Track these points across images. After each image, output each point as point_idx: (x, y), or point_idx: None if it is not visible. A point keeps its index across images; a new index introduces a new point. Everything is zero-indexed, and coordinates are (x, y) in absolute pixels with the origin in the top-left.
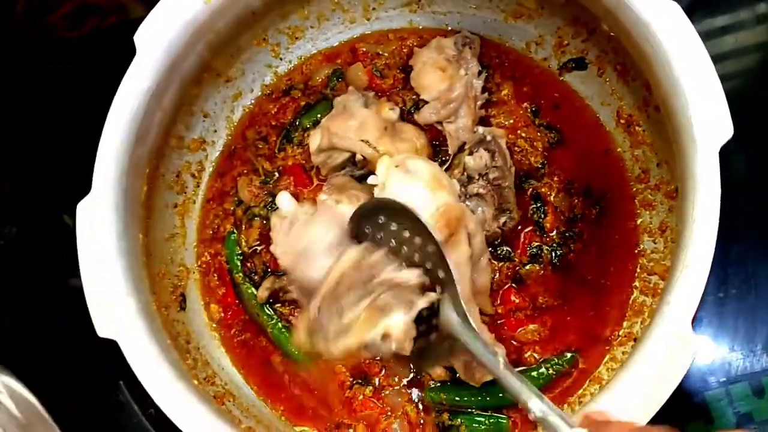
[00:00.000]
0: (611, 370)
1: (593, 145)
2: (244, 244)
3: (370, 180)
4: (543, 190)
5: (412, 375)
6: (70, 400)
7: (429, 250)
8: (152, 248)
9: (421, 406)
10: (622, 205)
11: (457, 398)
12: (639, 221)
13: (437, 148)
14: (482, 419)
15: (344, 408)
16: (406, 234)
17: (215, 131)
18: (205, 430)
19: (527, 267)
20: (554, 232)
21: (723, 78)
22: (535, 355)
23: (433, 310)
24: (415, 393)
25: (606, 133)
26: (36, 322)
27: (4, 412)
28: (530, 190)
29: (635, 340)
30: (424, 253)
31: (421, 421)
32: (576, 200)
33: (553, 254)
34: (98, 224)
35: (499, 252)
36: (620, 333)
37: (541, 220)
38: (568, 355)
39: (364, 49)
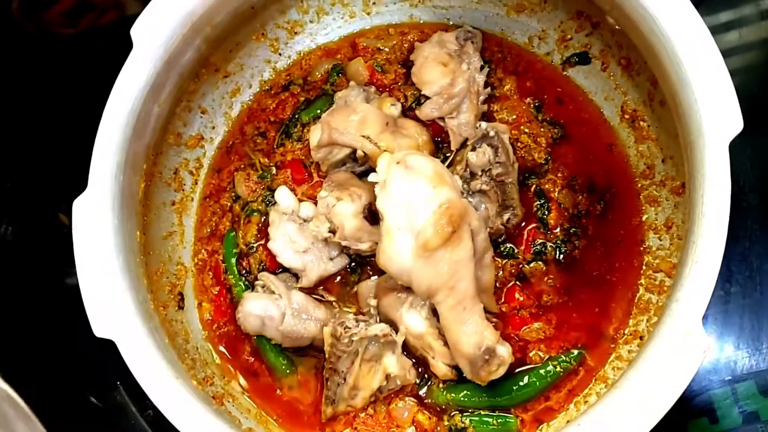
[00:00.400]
0: (617, 369)
1: (597, 140)
2: (241, 241)
3: (371, 177)
4: (546, 186)
5: (417, 383)
6: (67, 401)
7: None
8: (150, 246)
9: (430, 413)
10: (626, 202)
11: (464, 398)
12: (644, 218)
13: (439, 144)
14: (490, 419)
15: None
16: None
17: (213, 127)
18: (204, 431)
19: (531, 264)
20: (558, 229)
21: None
22: (540, 353)
23: None
24: (422, 396)
25: (610, 128)
26: (32, 322)
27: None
28: (534, 186)
29: (641, 338)
30: None
31: (437, 428)
32: (580, 196)
33: (558, 251)
34: (95, 221)
35: (502, 249)
36: (626, 331)
37: (545, 216)
38: (575, 352)
39: (365, 44)
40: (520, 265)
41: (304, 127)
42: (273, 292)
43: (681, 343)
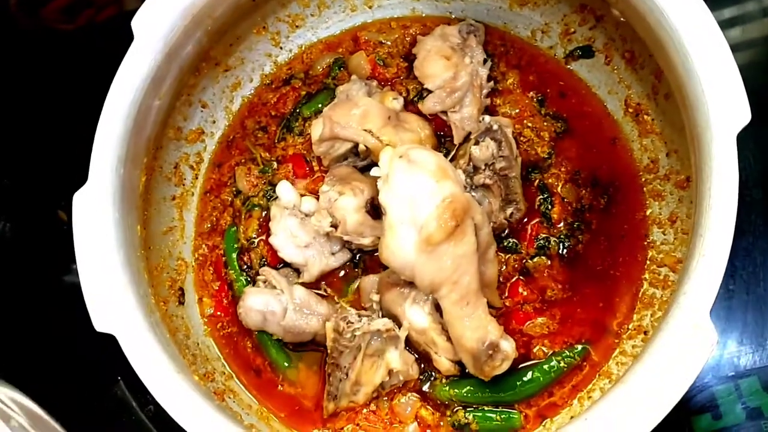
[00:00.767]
0: (621, 364)
1: (600, 134)
2: (242, 236)
3: (373, 171)
4: (550, 180)
5: (420, 379)
6: (68, 397)
7: None
8: (150, 241)
9: (433, 408)
10: (630, 196)
11: (467, 394)
12: (648, 212)
13: (442, 138)
14: (494, 415)
15: (347, 422)
16: None
17: (214, 122)
18: (206, 426)
19: (535, 259)
20: (562, 224)
21: None
22: (544, 348)
23: None
24: (425, 391)
25: (613, 122)
26: (31, 319)
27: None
28: (537, 180)
29: (645, 333)
30: None
31: (440, 423)
32: (583, 191)
33: (561, 245)
34: (95, 214)
35: (506, 244)
36: (630, 326)
37: (548, 211)
38: (579, 347)
39: (366, 38)
40: (524, 260)
41: (306, 121)
42: (274, 287)
43: (688, 337)
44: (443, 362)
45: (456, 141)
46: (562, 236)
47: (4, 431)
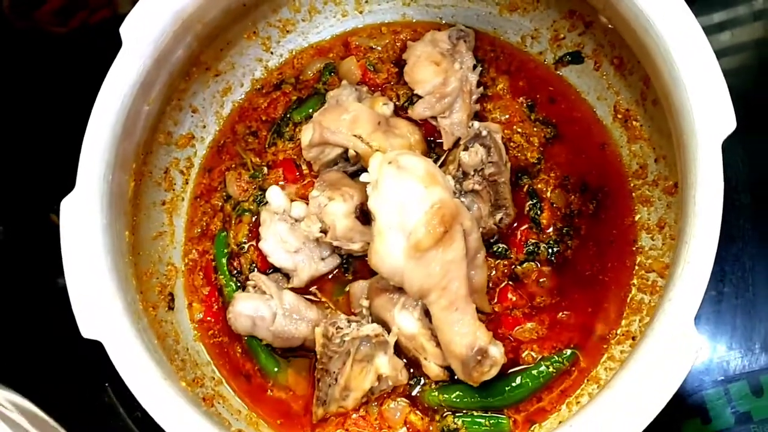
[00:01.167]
0: (609, 370)
1: (590, 140)
2: (232, 241)
3: (363, 177)
4: (539, 186)
5: (410, 384)
6: (56, 402)
7: None
8: (140, 246)
9: (422, 414)
10: (619, 201)
11: (456, 399)
12: (637, 217)
13: (431, 143)
14: (482, 420)
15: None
16: None
17: (204, 127)
18: None
19: (524, 264)
20: (551, 229)
21: None
22: (533, 353)
23: None
24: (414, 397)
25: (603, 127)
26: (22, 323)
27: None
28: (526, 186)
29: (633, 338)
30: None
31: (430, 429)
32: (572, 196)
33: (550, 251)
34: (83, 221)
35: (495, 249)
36: (618, 331)
37: (537, 216)
38: (568, 352)
39: (357, 43)
40: (513, 266)
41: (296, 126)
42: (264, 293)
43: (673, 343)
44: (432, 368)
45: (445, 146)
46: (551, 242)
47: (4, 430)
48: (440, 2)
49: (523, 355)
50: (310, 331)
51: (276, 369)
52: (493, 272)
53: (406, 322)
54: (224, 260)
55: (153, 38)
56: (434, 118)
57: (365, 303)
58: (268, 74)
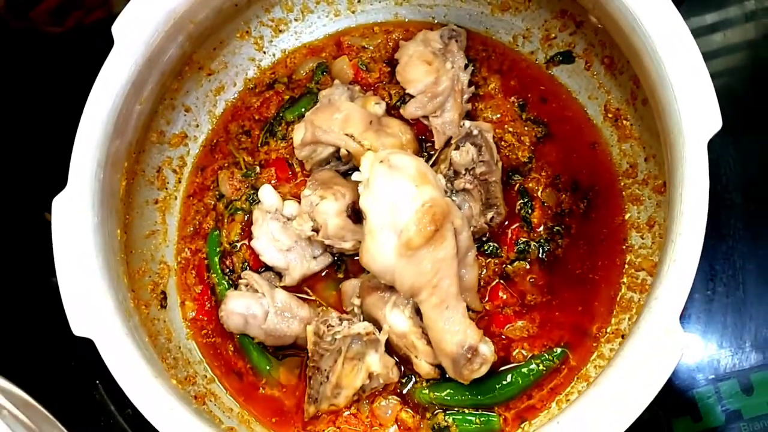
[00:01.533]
0: (599, 368)
1: (581, 139)
2: (224, 239)
3: (355, 176)
4: (530, 185)
5: (401, 382)
6: (47, 399)
7: None
8: (132, 245)
9: (413, 411)
10: (609, 200)
11: (447, 397)
12: (627, 216)
13: (423, 142)
14: (473, 418)
15: (328, 424)
16: None
17: (197, 126)
18: (183, 430)
19: (515, 263)
20: (542, 228)
21: (711, 75)
22: (524, 351)
23: None
24: (405, 394)
25: (593, 127)
26: (15, 321)
27: (11, 419)
28: (517, 185)
29: (623, 336)
30: None
31: (420, 426)
32: (563, 195)
33: (541, 250)
34: (74, 219)
35: (486, 248)
36: (608, 330)
37: (528, 215)
38: (558, 350)
39: (349, 43)
40: (504, 264)
41: (289, 125)
42: (256, 291)
43: (659, 341)
44: (423, 366)
45: (437, 145)
46: (542, 240)
47: None
48: (432, 2)
49: (514, 353)
50: (302, 329)
51: (268, 367)
52: (484, 271)
53: (397, 320)
54: (217, 259)
55: (145, 38)
56: (426, 117)
57: (357, 301)
58: (261, 73)
